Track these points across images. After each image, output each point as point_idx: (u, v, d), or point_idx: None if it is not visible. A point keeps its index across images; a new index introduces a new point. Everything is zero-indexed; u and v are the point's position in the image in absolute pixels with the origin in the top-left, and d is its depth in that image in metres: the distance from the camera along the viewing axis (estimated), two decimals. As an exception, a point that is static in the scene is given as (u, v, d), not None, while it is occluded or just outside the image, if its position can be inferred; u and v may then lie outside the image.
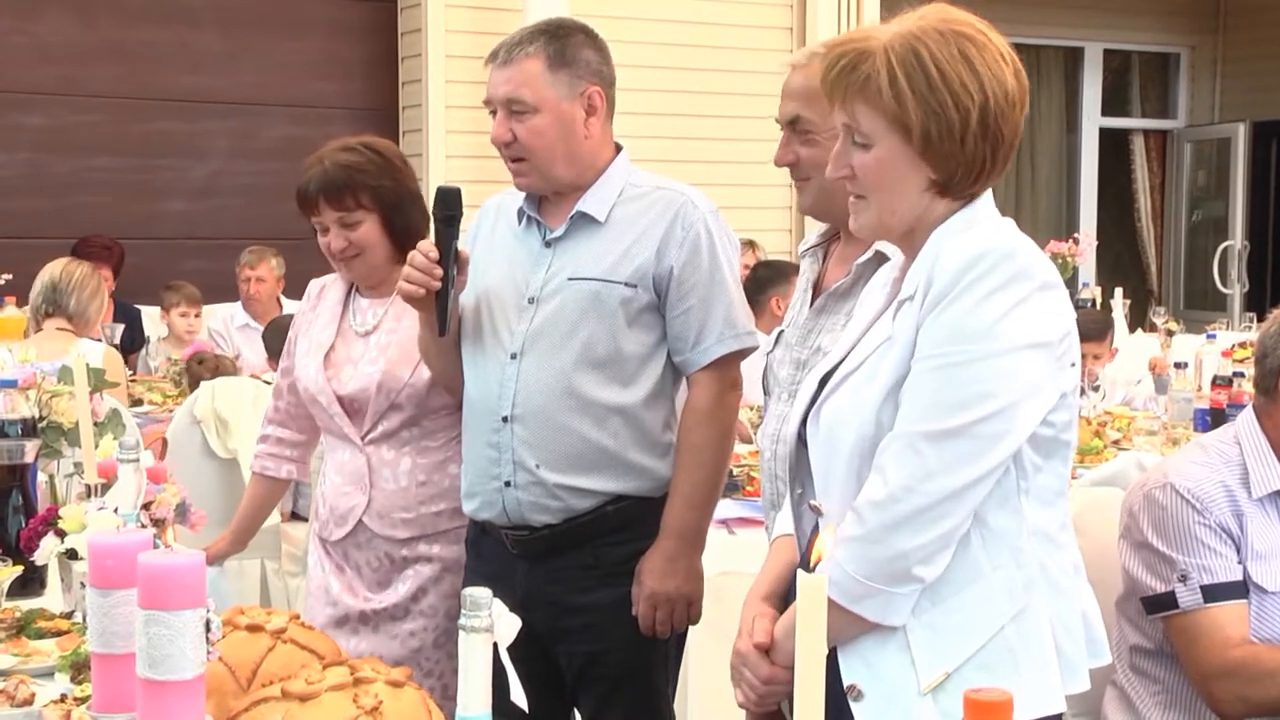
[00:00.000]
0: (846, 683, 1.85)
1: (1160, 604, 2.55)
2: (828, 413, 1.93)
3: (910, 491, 1.78)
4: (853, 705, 1.84)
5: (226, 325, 6.95)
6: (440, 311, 2.66)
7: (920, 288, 1.84)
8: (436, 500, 2.92)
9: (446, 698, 2.79)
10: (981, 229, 1.87)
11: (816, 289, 2.48)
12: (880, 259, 2.35)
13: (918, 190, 1.89)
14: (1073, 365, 1.88)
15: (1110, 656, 1.98)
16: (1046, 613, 1.85)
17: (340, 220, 2.91)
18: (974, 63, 1.85)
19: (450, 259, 2.63)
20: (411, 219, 2.97)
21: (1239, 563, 2.52)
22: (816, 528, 1.98)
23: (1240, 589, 2.52)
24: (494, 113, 2.70)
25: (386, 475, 2.91)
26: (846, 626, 1.84)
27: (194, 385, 5.38)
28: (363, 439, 2.93)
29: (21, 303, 5.32)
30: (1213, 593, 2.51)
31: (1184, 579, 2.51)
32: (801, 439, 2.00)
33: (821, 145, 2.37)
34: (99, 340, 5.16)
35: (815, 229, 2.59)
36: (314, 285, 3.15)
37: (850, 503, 1.85)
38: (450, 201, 2.67)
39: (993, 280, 1.79)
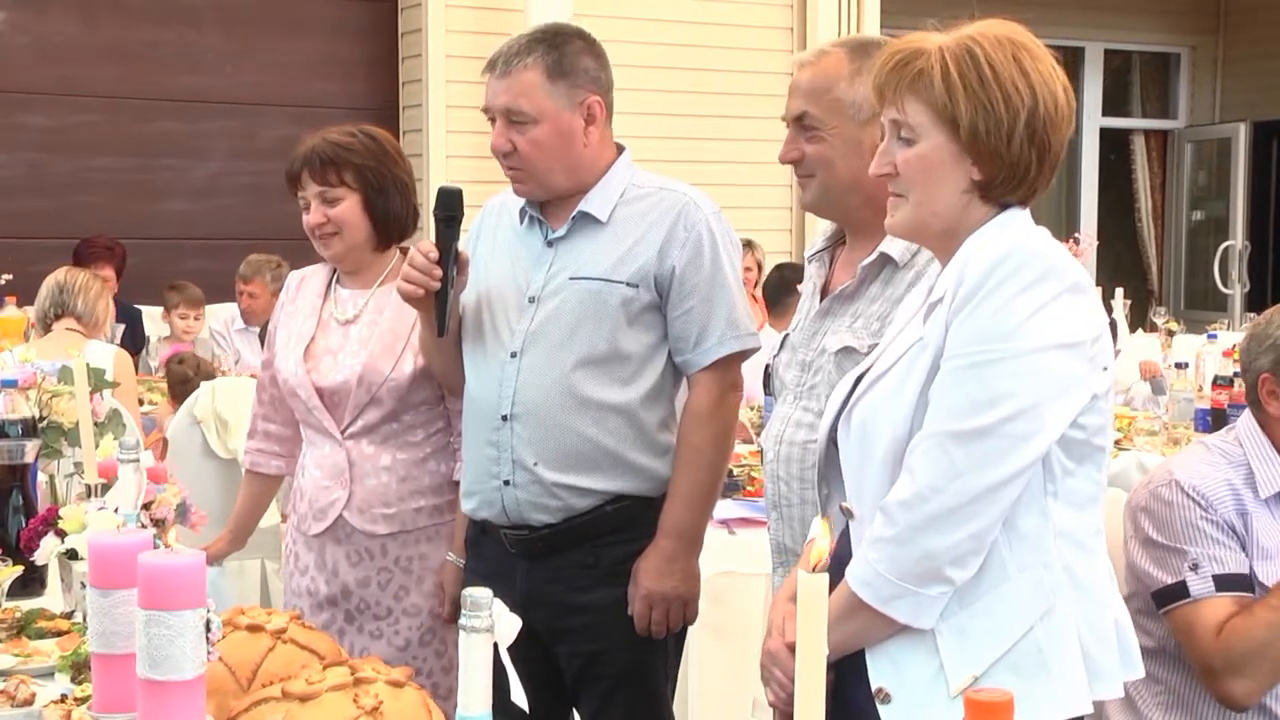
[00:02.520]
0: (874, 685, 1.85)
1: (1171, 595, 2.55)
2: (860, 414, 1.93)
3: (939, 491, 1.78)
4: (880, 708, 1.84)
5: (227, 326, 6.96)
6: (439, 311, 2.66)
7: (950, 289, 1.85)
8: (417, 497, 2.93)
9: (438, 696, 2.79)
10: (1010, 231, 1.88)
11: (823, 292, 2.48)
12: (884, 261, 2.35)
13: (958, 189, 1.89)
14: (1105, 369, 1.87)
15: (1143, 670, 1.97)
16: (1073, 614, 1.84)
17: (321, 195, 2.93)
18: (1026, 68, 1.88)
19: (450, 259, 2.64)
20: (393, 206, 2.97)
21: (1245, 559, 2.52)
22: (846, 530, 1.98)
23: (1248, 583, 2.52)
24: (492, 120, 2.70)
25: (367, 470, 2.92)
26: (875, 629, 1.85)
27: (175, 385, 5.41)
28: (342, 433, 2.93)
29: (23, 303, 5.33)
30: (1224, 582, 2.51)
31: (1195, 568, 2.51)
32: (832, 440, 2.00)
33: (826, 142, 2.37)
34: (104, 341, 5.17)
35: (821, 232, 2.59)
36: (293, 277, 3.15)
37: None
38: (451, 202, 2.67)
39: (1020, 280, 1.80)
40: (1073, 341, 1.81)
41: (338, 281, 3.05)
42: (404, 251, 3.01)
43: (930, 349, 1.85)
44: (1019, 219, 1.92)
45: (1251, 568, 2.52)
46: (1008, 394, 1.78)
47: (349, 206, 2.93)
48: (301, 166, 2.94)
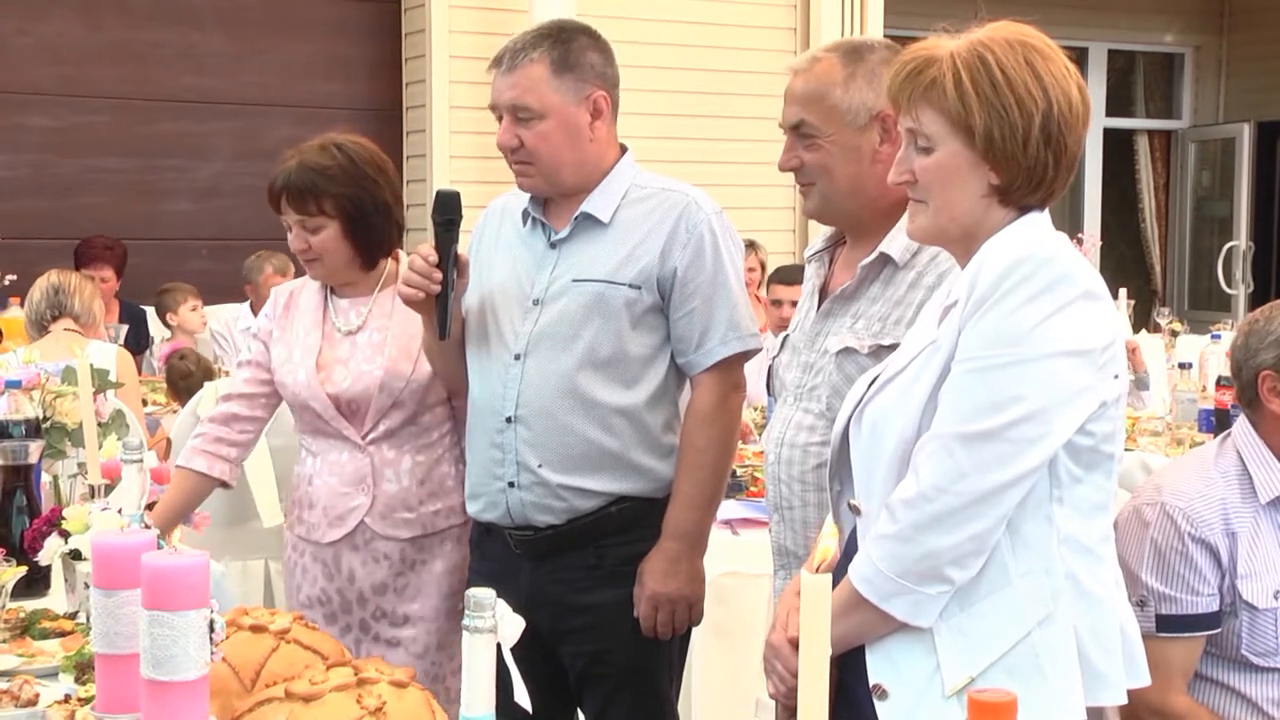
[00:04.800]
0: (872, 682, 1.87)
1: None
2: (871, 414, 1.95)
3: (942, 491, 1.80)
4: (877, 704, 1.86)
5: (229, 327, 6.95)
6: (440, 315, 2.66)
7: (964, 293, 1.86)
8: (434, 499, 2.93)
9: (450, 700, 2.79)
10: (1026, 236, 1.89)
11: (823, 293, 2.48)
12: (884, 261, 2.35)
13: (977, 195, 1.91)
14: (1116, 377, 1.88)
15: (1149, 679, 1.97)
16: (1073, 621, 1.85)
17: (301, 223, 2.92)
18: (1039, 70, 1.88)
19: (449, 263, 2.64)
20: (375, 229, 2.95)
21: (1217, 590, 2.50)
22: (854, 526, 1.99)
23: (1203, 622, 2.51)
24: (499, 117, 2.70)
25: (389, 475, 2.91)
26: (875, 625, 1.87)
27: (177, 380, 5.42)
28: (364, 439, 2.93)
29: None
30: (1167, 624, 2.51)
31: (1142, 604, 2.48)
32: (846, 438, 2.02)
33: (824, 149, 2.36)
34: (106, 341, 5.17)
35: (821, 234, 2.59)
36: (279, 292, 3.12)
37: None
38: (448, 206, 2.67)
39: (1033, 285, 1.81)
40: (1083, 349, 1.82)
41: (333, 293, 3.04)
42: (396, 258, 3.02)
43: (942, 351, 1.87)
44: (1037, 223, 1.92)
45: (1235, 589, 2.50)
46: (1015, 398, 1.79)
47: (330, 235, 2.92)
48: (281, 192, 2.91)
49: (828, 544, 1.15)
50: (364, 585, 2.93)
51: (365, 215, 2.92)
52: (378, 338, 2.95)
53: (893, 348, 2.22)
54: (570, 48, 2.67)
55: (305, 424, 3.02)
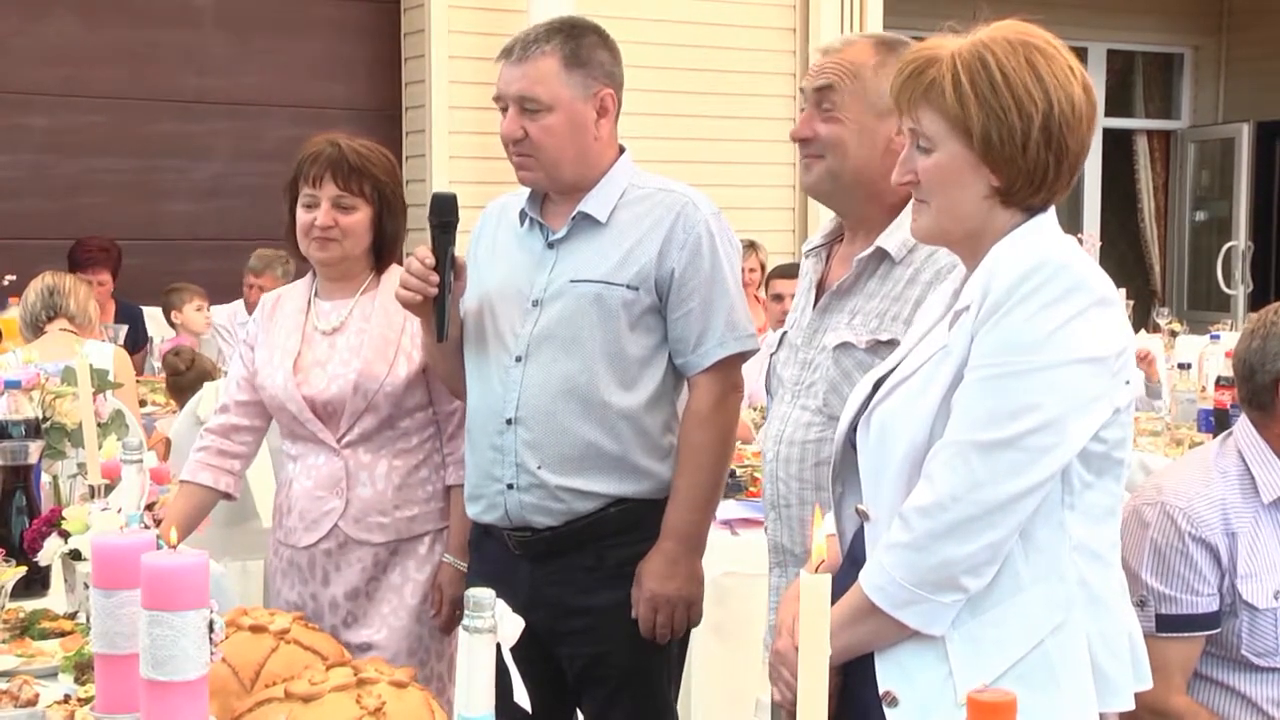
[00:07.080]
0: (882, 689, 1.86)
1: None
2: (879, 418, 1.93)
3: (957, 500, 1.79)
4: (887, 712, 1.85)
5: (231, 321, 6.97)
6: (438, 317, 2.66)
7: (976, 298, 1.85)
8: (410, 505, 2.93)
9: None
10: (1039, 241, 1.87)
11: (820, 289, 2.47)
12: (881, 256, 2.35)
13: (978, 196, 1.89)
14: (1127, 383, 1.87)
15: (1153, 682, 1.97)
16: (1085, 628, 1.84)
17: (337, 200, 2.93)
18: (1040, 71, 1.86)
19: (446, 265, 2.64)
20: (397, 228, 3.02)
21: (1217, 590, 2.50)
22: (861, 531, 1.98)
23: (1203, 622, 2.51)
24: (504, 109, 2.70)
25: (364, 479, 2.92)
26: (887, 633, 1.85)
27: (169, 376, 5.44)
28: (339, 442, 2.93)
29: (26, 305, 5.32)
30: (1167, 623, 2.50)
31: (1142, 604, 2.48)
32: (850, 442, 2.01)
33: (843, 124, 2.35)
34: (104, 341, 5.18)
35: (819, 229, 2.59)
36: (268, 298, 3.14)
37: (899, 509, 1.86)
38: (445, 207, 2.67)
39: (1048, 292, 1.79)
40: (1098, 356, 1.81)
41: (316, 295, 3.05)
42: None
43: (954, 357, 1.85)
44: (1046, 225, 1.91)
45: (1234, 589, 2.50)
46: (1031, 406, 1.78)
47: (360, 218, 2.95)
48: (327, 165, 2.93)
49: (821, 542, 1.15)
50: (337, 591, 2.93)
51: (394, 210, 3.00)
52: (355, 340, 2.95)
53: (890, 343, 2.21)
54: (581, 44, 2.68)
55: (284, 427, 3.02)
